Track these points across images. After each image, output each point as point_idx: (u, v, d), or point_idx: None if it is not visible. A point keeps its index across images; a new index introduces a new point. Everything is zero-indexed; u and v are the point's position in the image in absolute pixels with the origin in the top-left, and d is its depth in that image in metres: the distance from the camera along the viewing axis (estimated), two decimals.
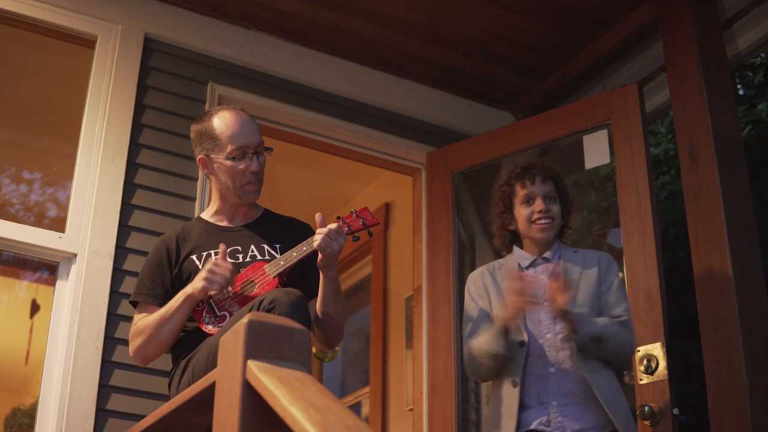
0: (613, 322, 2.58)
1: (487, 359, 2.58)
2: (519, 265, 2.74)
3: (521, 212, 2.72)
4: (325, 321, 2.49)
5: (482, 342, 2.59)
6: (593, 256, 2.73)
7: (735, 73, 5.65)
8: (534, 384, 2.56)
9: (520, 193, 2.73)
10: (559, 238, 2.79)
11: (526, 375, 2.56)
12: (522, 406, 2.54)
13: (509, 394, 2.56)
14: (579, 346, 2.53)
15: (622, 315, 2.62)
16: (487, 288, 2.73)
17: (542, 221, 2.69)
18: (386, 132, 3.92)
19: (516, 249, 2.78)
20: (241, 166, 2.56)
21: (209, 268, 2.40)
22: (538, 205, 2.69)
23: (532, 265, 2.73)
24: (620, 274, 2.74)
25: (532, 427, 2.52)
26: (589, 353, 2.54)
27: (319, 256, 2.41)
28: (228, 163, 2.56)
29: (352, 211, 2.52)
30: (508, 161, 3.93)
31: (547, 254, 2.72)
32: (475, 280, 2.79)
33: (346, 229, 2.47)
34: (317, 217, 2.45)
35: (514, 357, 2.56)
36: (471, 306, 2.74)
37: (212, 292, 2.41)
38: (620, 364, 2.68)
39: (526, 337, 2.57)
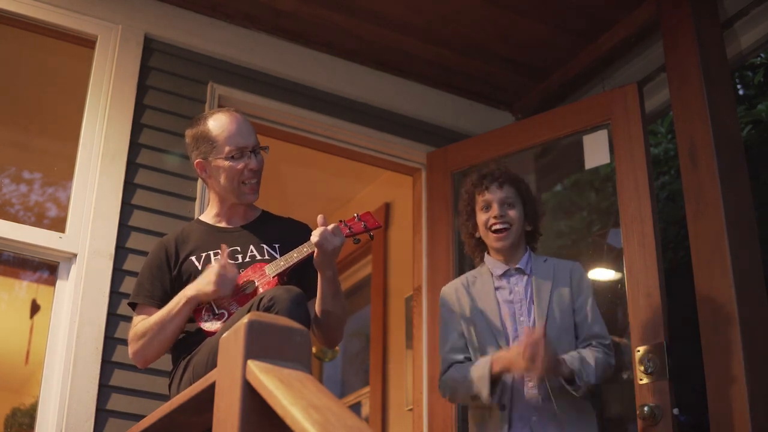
0: (598, 354, 2.57)
1: (467, 398, 2.61)
2: (492, 274, 2.73)
3: (480, 219, 2.75)
4: (325, 320, 2.49)
5: (465, 380, 2.58)
6: (564, 267, 2.72)
7: (735, 73, 5.65)
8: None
9: (479, 199, 2.75)
10: (529, 245, 2.78)
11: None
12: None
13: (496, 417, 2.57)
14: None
15: (604, 337, 2.63)
16: (462, 304, 2.72)
17: (497, 226, 2.69)
18: (386, 132, 3.92)
19: (487, 257, 2.78)
20: (240, 166, 2.57)
21: (220, 272, 2.39)
22: (494, 210, 2.70)
23: (506, 275, 2.72)
24: (592, 286, 2.75)
25: None
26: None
27: (316, 252, 2.41)
28: (227, 163, 2.56)
29: (354, 215, 2.53)
30: (506, 161, 3.94)
31: (520, 265, 2.72)
32: (449, 295, 2.77)
33: (347, 231, 2.47)
34: (319, 218, 2.45)
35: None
36: (446, 323, 2.73)
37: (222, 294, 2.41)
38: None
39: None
